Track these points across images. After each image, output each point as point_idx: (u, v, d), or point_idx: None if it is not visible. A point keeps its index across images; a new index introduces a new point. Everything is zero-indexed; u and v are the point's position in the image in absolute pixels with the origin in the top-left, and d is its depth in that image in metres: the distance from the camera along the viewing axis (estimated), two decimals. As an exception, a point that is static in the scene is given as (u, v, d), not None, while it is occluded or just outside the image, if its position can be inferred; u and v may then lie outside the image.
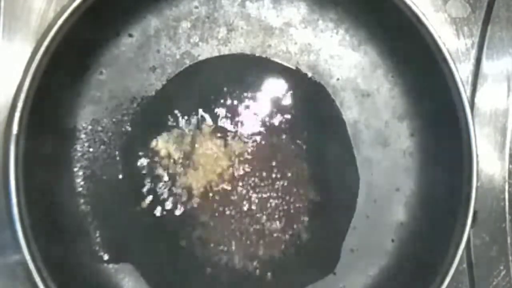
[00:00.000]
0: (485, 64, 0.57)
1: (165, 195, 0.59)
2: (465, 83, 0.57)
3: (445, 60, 0.54)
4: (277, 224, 0.60)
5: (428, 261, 0.56)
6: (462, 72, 0.56)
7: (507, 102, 0.58)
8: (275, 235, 0.60)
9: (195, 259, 0.59)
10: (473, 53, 0.58)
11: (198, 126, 0.59)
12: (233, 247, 0.60)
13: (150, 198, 0.59)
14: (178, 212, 0.59)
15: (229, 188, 0.60)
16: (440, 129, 0.59)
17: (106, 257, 0.58)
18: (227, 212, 0.60)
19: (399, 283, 0.59)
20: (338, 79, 0.61)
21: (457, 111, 0.55)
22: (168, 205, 0.59)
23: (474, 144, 0.54)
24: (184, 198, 0.59)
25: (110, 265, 0.58)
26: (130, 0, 0.58)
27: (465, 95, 0.54)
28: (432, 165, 0.61)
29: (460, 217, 0.54)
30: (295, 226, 0.60)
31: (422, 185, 0.61)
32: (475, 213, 0.54)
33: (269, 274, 0.60)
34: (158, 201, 0.59)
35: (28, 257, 0.50)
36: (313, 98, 0.61)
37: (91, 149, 0.59)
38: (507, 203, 0.57)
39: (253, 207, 0.60)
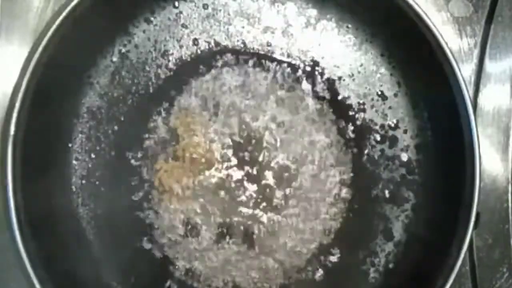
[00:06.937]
0: (488, 63, 0.57)
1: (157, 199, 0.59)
2: (468, 83, 0.57)
3: (447, 59, 0.54)
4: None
5: (431, 263, 0.56)
6: (464, 72, 0.56)
7: (510, 102, 0.58)
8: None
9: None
10: (476, 52, 0.58)
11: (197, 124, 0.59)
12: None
13: (147, 201, 0.59)
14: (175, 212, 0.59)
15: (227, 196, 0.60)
16: (442, 129, 0.59)
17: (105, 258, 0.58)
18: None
19: (402, 285, 0.59)
20: (338, 78, 0.61)
21: (460, 111, 0.54)
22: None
23: (476, 144, 0.54)
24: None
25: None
26: (129, 0, 0.58)
27: (468, 95, 0.54)
28: (434, 166, 0.60)
29: (462, 218, 0.54)
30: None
31: (424, 186, 0.61)
32: (477, 214, 0.54)
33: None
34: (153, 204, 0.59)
35: (26, 260, 0.50)
36: (312, 98, 0.61)
37: (89, 150, 0.58)
38: (510, 204, 0.57)
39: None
